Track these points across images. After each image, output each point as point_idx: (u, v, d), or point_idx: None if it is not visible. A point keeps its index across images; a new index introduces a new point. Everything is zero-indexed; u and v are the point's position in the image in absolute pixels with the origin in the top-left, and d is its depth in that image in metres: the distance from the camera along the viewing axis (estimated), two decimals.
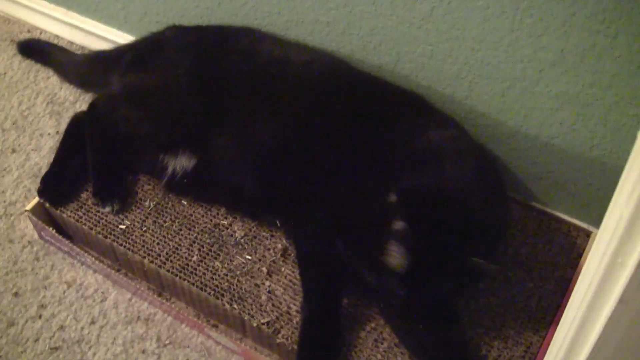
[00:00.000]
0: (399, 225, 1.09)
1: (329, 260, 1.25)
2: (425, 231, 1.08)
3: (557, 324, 1.25)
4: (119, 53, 1.55)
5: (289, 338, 1.25)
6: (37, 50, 1.79)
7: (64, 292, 1.43)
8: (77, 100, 1.71)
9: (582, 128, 1.27)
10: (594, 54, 1.16)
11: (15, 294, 1.42)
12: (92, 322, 1.39)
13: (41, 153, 1.63)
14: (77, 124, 1.50)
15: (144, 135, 1.41)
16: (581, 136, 1.28)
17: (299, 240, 1.32)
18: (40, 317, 1.39)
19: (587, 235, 1.38)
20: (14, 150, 1.65)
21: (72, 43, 1.85)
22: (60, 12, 1.86)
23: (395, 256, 1.09)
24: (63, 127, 1.52)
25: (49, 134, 1.67)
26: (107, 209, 1.41)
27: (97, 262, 1.40)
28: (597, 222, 1.37)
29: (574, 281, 1.30)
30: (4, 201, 1.56)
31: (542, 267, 1.33)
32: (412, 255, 1.08)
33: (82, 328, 1.38)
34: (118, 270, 1.41)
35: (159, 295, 1.39)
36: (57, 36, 1.88)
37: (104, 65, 1.55)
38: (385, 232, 1.10)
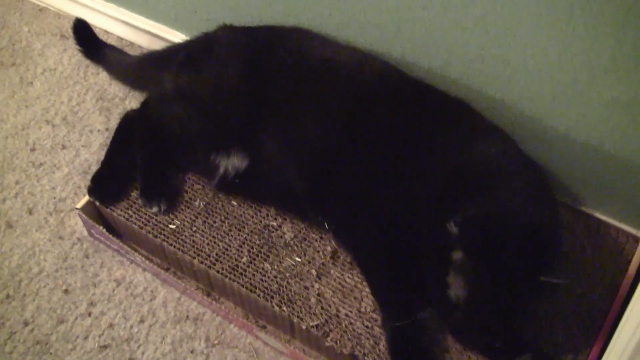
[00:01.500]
0: (458, 255, 1.10)
1: (398, 269, 1.25)
2: (485, 262, 1.09)
3: (606, 331, 1.26)
4: (171, 53, 1.56)
5: (338, 341, 1.26)
6: (91, 40, 1.79)
7: (114, 290, 1.45)
8: (126, 97, 1.72)
9: (633, 135, 1.26)
10: None
11: (65, 291, 1.45)
12: (141, 321, 1.41)
13: (91, 149, 1.64)
14: (128, 123, 1.52)
15: (195, 134, 1.42)
16: (632, 142, 1.28)
17: (359, 252, 1.33)
18: (89, 314, 1.42)
19: (636, 241, 1.38)
20: (64, 147, 1.66)
21: (122, 39, 1.86)
22: (110, 8, 1.87)
23: (455, 287, 1.10)
24: (112, 123, 1.53)
25: (98, 130, 1.68)
26: (154, 209, 1.43)
27: (146, 260, 1.42)
28: None
29: (622, 288, 1.31)
30: (54, 197, 1.58)
31: (591, 273, 1.33)
32: (471, 287, 1.09)
33: (131, 326, 1.40)
34: (167, 269, 1.43)
35: (208, 295, 1.41)
36: (107, 32, 1.89)
37: (156, 66, 1.56)
38: (445, 262, 1.11)
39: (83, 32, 1.76)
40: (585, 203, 1.42)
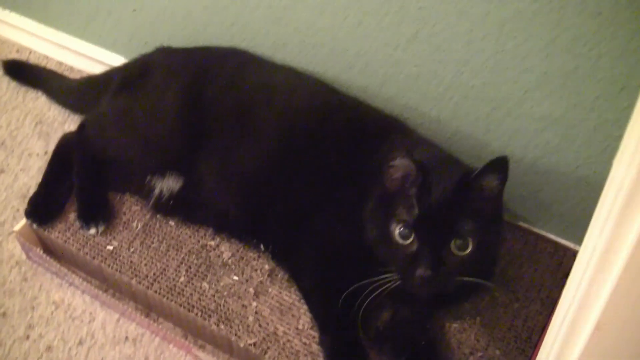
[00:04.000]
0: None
1: (335, 287, 1.23)
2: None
3: (541, 344, 1.26)
4: (110, 76, 1.56)
5: (276, 359, 1.25)
6: (27, 72, 1.79)
7: (52, 313, 1.43)
8: (65, 121, 1.71)
9: (567, 149, 1.28)
10: (577, 76, 1.18)
11: (3, 315, 1.42)
12: (80, 343, 1.39)
13: (30, 173, 1.63)
14: (66, 145, 1.51)
15: (131, 158, 1.42)
16: (566, 157, 1.29)
17: (297, 273, 1.33)
18: (27, 337, 1.39)
19: (574, 254, 1.38)
20: (2, 171, 1.65)
21: (61, 63, 1.86)
22: (49, 33, 1.86)
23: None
24: (52, 147, 1.52)
25: (37, 154, 1.67)
26: (92, 231, 1.41)
27: (84, 282, 1.41)
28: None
29: (559, 302, 1.31)
30: None
31: (529, 287, 1.34)
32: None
33: (70, 349, 1.38)
34: (106, 291, 1.41)
35: (147, 315, 1.39)
36: (46, 56, 1.88)
37: (95, 89, 1.56)
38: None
39: (15, 70, 1.78)
40: (522, 218, 1.43)
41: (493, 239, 1.17)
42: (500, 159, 1.10)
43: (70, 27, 1.82)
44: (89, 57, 1.80)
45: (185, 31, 1.59)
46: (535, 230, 1.42)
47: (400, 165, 1.13)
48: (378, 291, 1.15)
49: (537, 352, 1.24)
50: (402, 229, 1.12)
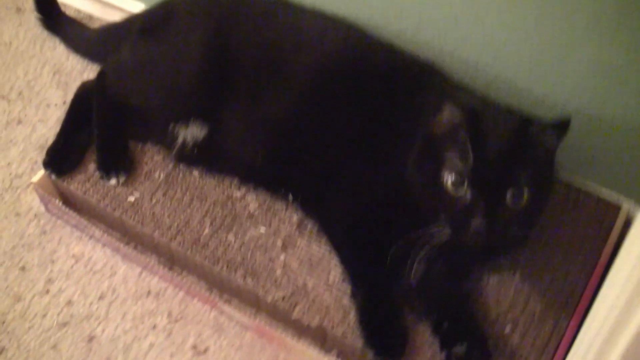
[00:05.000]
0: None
1: (369, 240, 1.20)
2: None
3: (586, 300, 1.20)
4: (129, 24, 1.50)
5: (305, 314, 1.20)
6: (54, 14, 1.70)
7: (72, 267, 1.38)
8: (84, 70, 1.64)
9: (615, 96, 1.21)
10: (629, 18, 1.10)
11: (23, 269, 1.38)
12: (101, 297, 1.34)
13: (48, 124, 1.57)
14: (85, 93, 1.45)
15: (154, 105, 1.36)
16: (613, 105, 1.22)
17: (328, 224, 1.28)
18: (47, 292, 1.35)
19: (617, 209, 1.32)
20: (20, 122, 1.59)
21: (79, 11, 1.76)
22: None
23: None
24: (70, 97, 1.46)
25: (55, 104, 1.61)
26: (112, 182, 1.36)
27: (105, 235, 1.36)
28: (627, 195, 1.32)
29: (603, 257, 1.25)
30: (10, 174, 1.51)
31: (570, 242, 1.28)
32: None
33: (91, 303, 1.33)
34: (127, 244, 1.36)
35: (170, 269, 1.34)
36: (64, 4, 1.79)
37: (115, 37, 1.49)
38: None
39: (47, 7, 1.69)
40: (563, 170, 1.35)
41: (545, 193, 1.12)
42: (565, 119, 1.07)
43: None
44: (108, 4, 1.73)
45: None
46: (577, 183, 1.35)
47: (451, 112, 1.06)
48: (425, 247, 1.10)
49: (580, 309, 1.19)
50: (455, 177, 1.05)
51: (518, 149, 1.05)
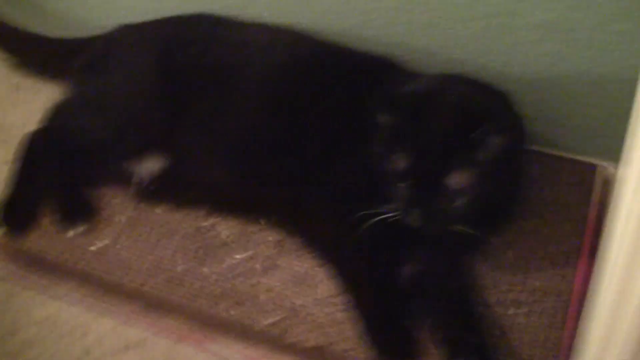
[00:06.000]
0: None
1: (361, 248, 1.16)
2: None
3: (583, 265, 1.16)
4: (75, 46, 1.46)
5: (300, 335, 1.13)
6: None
7: (37, 334, 1.27)
8: (25, 124, 1.53)
9: (569, 55, 1.19)
10: None
11: None
12: None
13: None
14: (32, 143, 1.36)
15: (104, 142, 1.30)
16: (569, 64, 1.20)
17: (312, 235, 1.23)
18: None
19: (593, 168, 1.30)
20: None
21: None
22: None
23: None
24: (13, 155, 1.37)
25: None
26: (71, 233, 1.28)
27: (71, 292, 1.26)
28: (602, 154, 1.30)
29: (590, 219, 1.22)
30: None
31: (554, 211, 1.24)
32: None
33: None
34: (97, 297, 1.26)
35: (145, 316, 1.24)
36: None
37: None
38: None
39: None
40: (535, 141, 1.33)
41: (498, 192, 1.09)
42: (503, 117, 1.06)
43: None
44: None
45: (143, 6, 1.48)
46: (548, 151, 1.33)
47: (389, 106, 1.06)
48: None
49: (579, 276, 1.15)
50: (397, 167, 1.04)
51: (456, 145, 1.02)
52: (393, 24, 1.28)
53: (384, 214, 1.08)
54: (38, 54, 1.58)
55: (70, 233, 1.28)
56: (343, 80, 1.24)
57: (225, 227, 1.27)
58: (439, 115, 1.04)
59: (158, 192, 1.30)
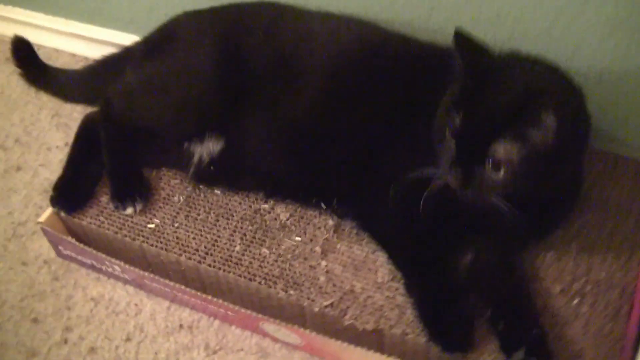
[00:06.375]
0: None
1: (414, 226, 1.15)
2: None
3: None
4: (129, 51, 1.46)
5: (358, 318, 1.11)
6: (33, 65, 1.64)
7: (91, 311, 1.27)
8: (85, 109, 1.56)
9: (638, 52, 1.19)
10: None
11: (35, 320, 1.26)
12: (128, 339, 1.23)
13: (50, 168, 1.49)
14: (90, 124, 1.38)
15: (166, 124, 1.31)
16: (637, 61, 1.20)
17: (369, 222, 1.22)
18: (66, 341, 1.24)
19: None
20: (19, 168, 1.50)
21: (74, 55, 1.73)
22: (58, 23, 1.74)
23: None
24: (72, 139, 1.39)
25: (57, 147, 1.54)
26: (129, 210, 1.28)
27: (126, 266, 1.24)
28: None
29: None
30: (12, 222, 1.41)
31: (618, 206, 1.23)
32: None
33: (117, 347, 1.22)
34: (152, 276, 1.26)
35: (202, 296, 1.23)
36: (56, 50, 1.75)
37: (113, 69, 1.44)
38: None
39: (24, 51, 1.61)
40: (597, 141, 1.32)
41: (546, 175, 1.04)
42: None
43: (81, 13, 1.70)
44: (103, 42, 1.67)
45: None
46: (613, 150, 1.32)
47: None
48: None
49: None
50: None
51: (510, 116, 0.99)
52: (459, 16, 1.29)
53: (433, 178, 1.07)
54: (82, 85, 1.60)
55: (129, 210, 1.27)
56: (408, 70, 1.24)
57: (284, 210, 1.27)
58: (502, 84, 1.02)
59: (217, 174, 1.30)
